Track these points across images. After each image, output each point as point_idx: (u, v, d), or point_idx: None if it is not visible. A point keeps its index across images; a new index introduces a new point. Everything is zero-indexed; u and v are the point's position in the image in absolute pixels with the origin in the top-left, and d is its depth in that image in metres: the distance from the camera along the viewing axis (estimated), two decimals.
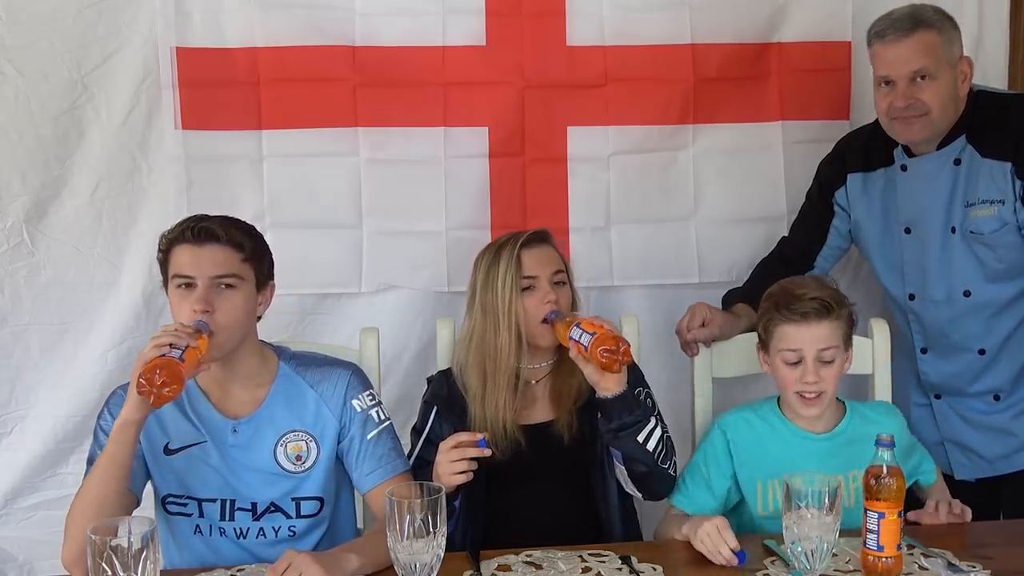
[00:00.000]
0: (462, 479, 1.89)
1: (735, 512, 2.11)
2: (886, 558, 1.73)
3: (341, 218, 2.65)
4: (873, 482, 1.73)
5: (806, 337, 1.99)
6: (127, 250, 2.61)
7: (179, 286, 1.89)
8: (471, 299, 2.14)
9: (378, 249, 2.69)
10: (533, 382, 2.15)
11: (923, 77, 2.22)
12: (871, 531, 1.73)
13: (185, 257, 1.89)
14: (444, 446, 1.91)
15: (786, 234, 2.63)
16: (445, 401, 2.12)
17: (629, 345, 1.90)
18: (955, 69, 2.25)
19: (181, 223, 1.93)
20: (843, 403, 2.11)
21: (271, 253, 2.01)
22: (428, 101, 2.65)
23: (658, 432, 2.00)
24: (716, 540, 1.80)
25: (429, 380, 2.21)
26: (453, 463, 1.88)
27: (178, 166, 2.59)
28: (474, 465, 1.90)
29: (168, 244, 1.92)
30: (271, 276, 2.01)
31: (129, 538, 1.45)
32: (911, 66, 2.22)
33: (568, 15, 2.66)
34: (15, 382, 2.61)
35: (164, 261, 1.93)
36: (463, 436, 1.91)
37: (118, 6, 2.53)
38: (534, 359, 2.14)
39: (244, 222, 1.99)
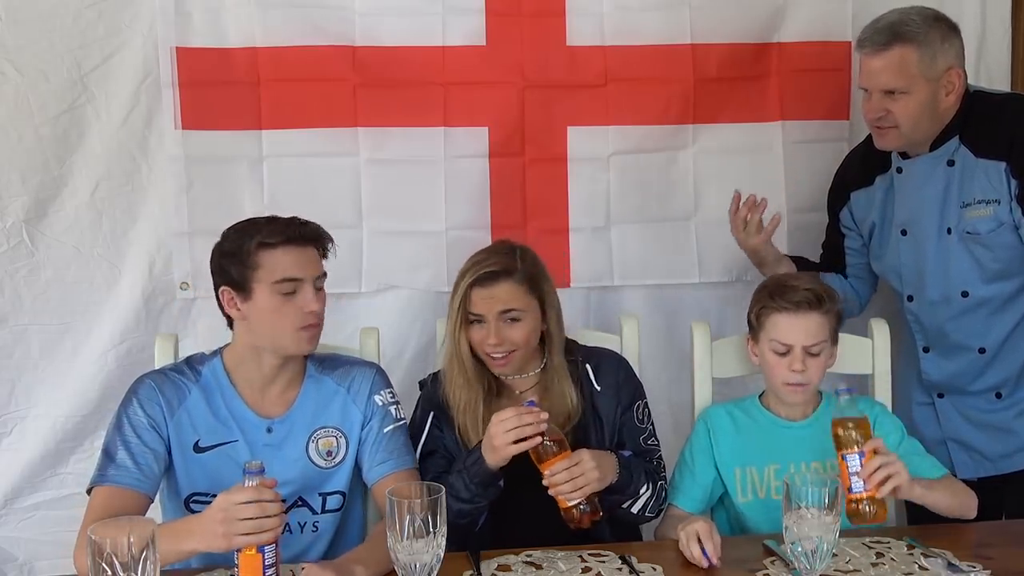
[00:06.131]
0: (517, 449, 1.87)
1: (720, 504, 2.18)
2: (873, 499, 1.82)
3: (341, 218, 2.64)
4: (841, 431, 1.84)
5: (797, 328, 2.05)
6: (127, 250, 2.61)
7: (284, 292, 1.91)
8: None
9: (378, 249, 2.69)
10: (518, 392, 2.13)
11: (895, 92, 2.22)
12: (855, 474, 1.82)
13: (289, 259, 1.92)
14: (500, 415, 1.89)
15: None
16: (439, 405, 2.11)
17: (591, 514, 1.90)
18: (936, 82, 2.22)
19: (273, 227, 1.94)
20: (820, 393, 2.17)
21: None
22: (428, 101, 2.65)
23: (645, 496, 2.02)
24: (688, 540, 1.84)
25: (421, 384, 2.20)
26: (509, 432, 1.87)
27: (178, 166, 2.59)
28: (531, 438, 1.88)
29: (264, 246, 1.91)
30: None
31: (129, 539, 1.45)
32: (882, 84, 2.22)
33: (568, 15, 2.66)
34: (15, 382, 2.61)
35: (252, 265, 1.91)
36: (523, 408, 1.90)
37: (118, 6, 2.53)
38: (517, 370, 2.12)
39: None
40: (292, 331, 1.93)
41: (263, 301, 1.92)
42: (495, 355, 2.04)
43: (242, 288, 1.93)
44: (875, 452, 1.84)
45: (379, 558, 1.74)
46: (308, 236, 1.95)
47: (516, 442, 1.87)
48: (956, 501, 2.01)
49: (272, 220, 1.98)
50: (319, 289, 1.97)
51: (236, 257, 1.93)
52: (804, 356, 2.05)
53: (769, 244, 2.45)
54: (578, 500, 1.88)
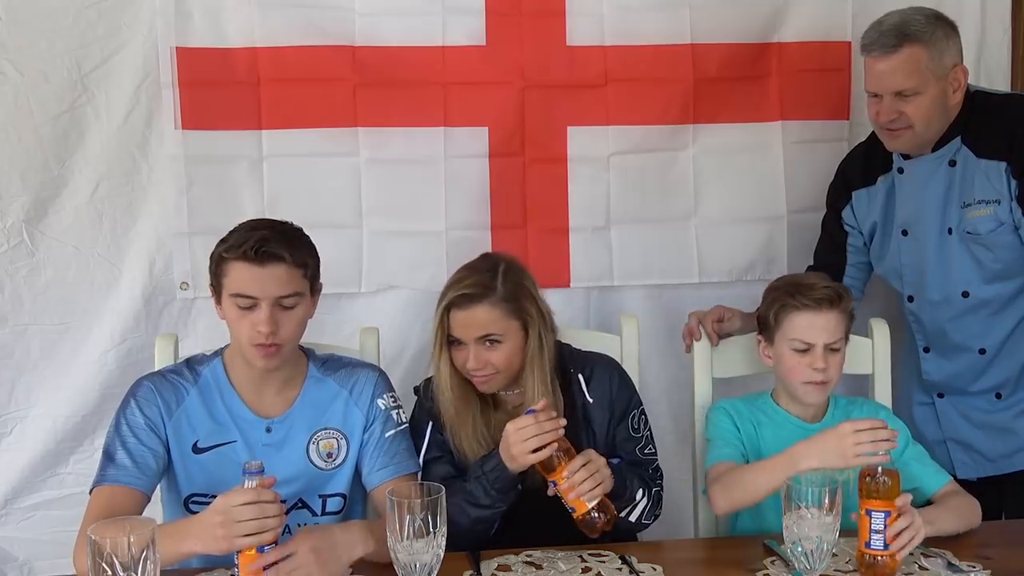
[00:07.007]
0: (536, 457, 1.84)
1: None
2: (890, 557, 1.74)
3: (341, 218, 2.65)
4: (868, 480, 1.75)
5: (818, 325, 2.04)
6: (127, 250, 2.61)
7: (241, 306, 1.89)
8: None
9: (378, 249, 2.69)
10: (510, 407, 2.10)
11: (907, 93, 2.22)
12: (876, 531, 1.74)
13: (246, 275, 1.88)
14: (517, 424, 1.86)
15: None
16: (436, 414, 2.09)
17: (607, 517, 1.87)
18: (944, 79, 2.23)
19: (238, 238, 1.91)
20: (828, 397, 2.15)
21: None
22: (428, 101, 2.64)
23: (642, 503, 2.00)
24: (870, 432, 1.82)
25: (416, 390, 2.17)
26: (528, 440, 1.84)
27: (178, 166, 2.59)
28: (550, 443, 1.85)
29: (223, 259, 1.91)
30: (319, 277, 2.02)
31: (130, 539, 1.45)
32: (894, 86, 2.22)
33: (568, 15, 2.66)
34: (15, 382, 2.61)
35: (217, 273, 1.93)
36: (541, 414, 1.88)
37: (118, 6, 2.53)
38: (504, 387, 2.09)
39: (301, 233, 1.98)
40: (247, 344, 1.91)
41: (227, 309, 1.93)
42: (477, 376, 2.03)
43: (216, 291, 1.96)
44: (899, 514, 1.76)
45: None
46: (269, 255, 1.87)
47: (535, 450, 1.84)
48: (962, 521, 1.96)
49: (248, 229, 1.93)
50: (287, 308, 1.91)
51: (211, 261, 1.95)
52: (825, 353, 2.04)
53: (736, 320, 2.36)
54: (597, 500, 1.84)
